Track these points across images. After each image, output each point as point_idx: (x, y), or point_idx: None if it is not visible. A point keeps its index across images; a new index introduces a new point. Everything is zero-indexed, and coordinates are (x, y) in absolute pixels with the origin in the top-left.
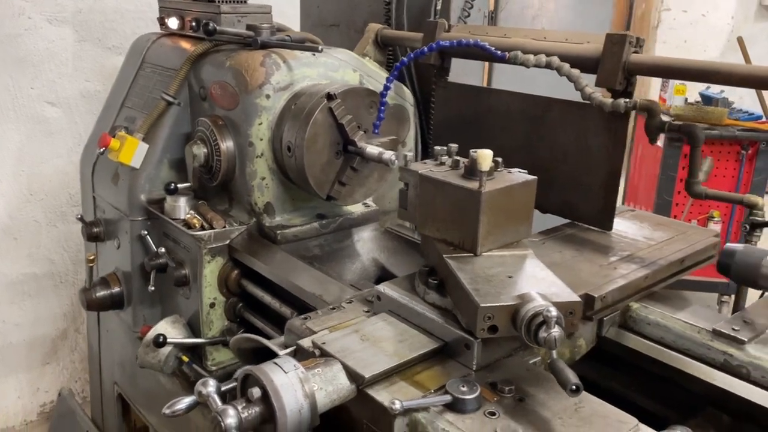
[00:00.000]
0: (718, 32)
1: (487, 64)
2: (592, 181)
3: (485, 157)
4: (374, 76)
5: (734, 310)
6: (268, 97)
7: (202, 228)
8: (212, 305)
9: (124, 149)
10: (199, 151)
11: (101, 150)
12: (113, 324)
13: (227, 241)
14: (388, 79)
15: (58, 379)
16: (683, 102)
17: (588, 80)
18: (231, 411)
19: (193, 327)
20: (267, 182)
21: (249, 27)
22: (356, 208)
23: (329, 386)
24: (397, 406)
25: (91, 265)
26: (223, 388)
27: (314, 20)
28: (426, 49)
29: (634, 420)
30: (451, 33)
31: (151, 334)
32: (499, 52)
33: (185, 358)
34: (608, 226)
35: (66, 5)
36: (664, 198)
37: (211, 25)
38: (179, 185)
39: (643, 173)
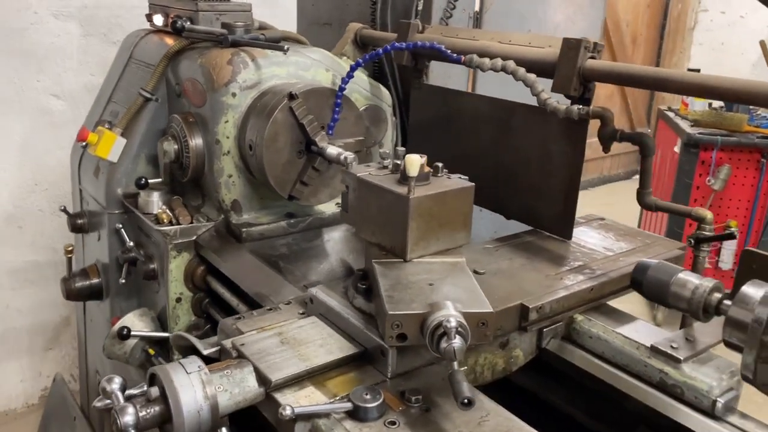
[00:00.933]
0: (757, 35)
1: None
2: (552, 187)
3: (413, 162)
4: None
5: (682, 325)
6: (234, 95)
7: (170, 223)
8: (178, 300)
9: (101, 143)
10: (170, 147)
11: (83, 144)
12: (96, 314)
13: (194, 237)
14: (343, 80)
15: (59, 364)
16: (706, 107)
17: (546, 85)
18: (130, 409)
19: (162, 321)
20: (234, 180)
21: (224, 25)
22: (327, 208)
23: (235, 389)
24: (288, 412)
25: (69, 255)
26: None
27: (309, 18)
28: (381, 51)
29: None
30: (425, 34)
31: (117, 326)
32: (454, 55)
33: (152, 351)
34: (567, 234)
35: (71, 0)
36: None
37: (179, 22)
38: (150, 180)
39: (661, 180)
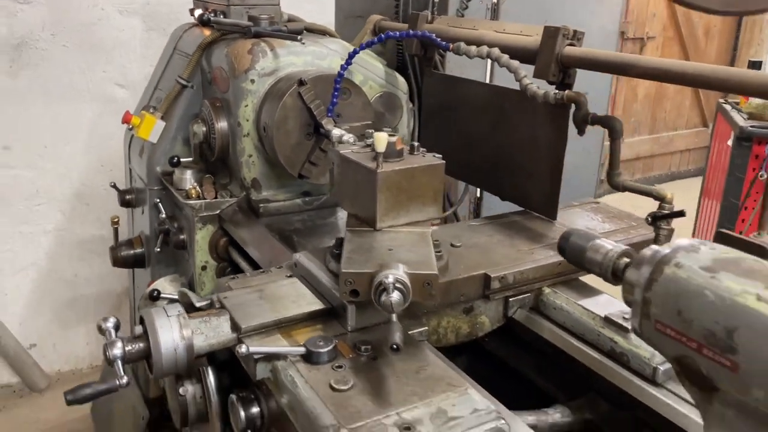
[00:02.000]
0: None
1: None
2: (539, 170)
3: (380, 139)
4: (365, 65)
5: None
6: (252, 81)
7: (198, 198)
8: (204, 268)
9: (143, 126)
10: (199, 129)
11: (129, 127)
12: (141, 281)
13: (217, 211)
14: (342, 67)
15: (121, 330)
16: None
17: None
18: (118, 344)
19: (190, 286)
20: (254, 160)
21: (250, 18)
22: None
23: (211, 333)
24: (243, 349)
25: (115, 226)
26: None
27: (346, 11)
28: (376, 39)
29: (465, 384)
30: (433, 24)
31: (149, 288)
32: (444, 42)
33: None
34: (552, 215)
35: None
36: (731, 200)
37: (206, 16)
38: (183, 159)
39: (715, 175)
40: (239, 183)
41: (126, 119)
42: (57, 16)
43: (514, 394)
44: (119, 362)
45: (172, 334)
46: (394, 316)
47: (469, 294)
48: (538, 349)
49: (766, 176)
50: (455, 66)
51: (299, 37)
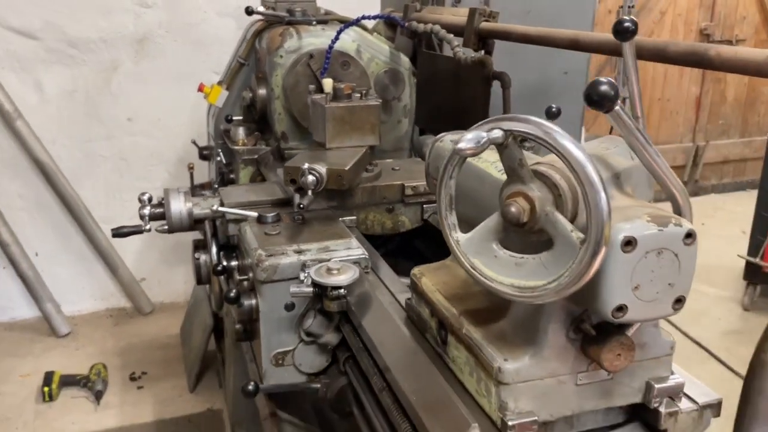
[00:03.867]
0: None
1: None
2: (477, 119)
3: (327, 83)
4: (373, 46)
5: None
6: (281, 56)
7: (243, 146)
8: None
9: (212, 94)
10: (247, 95)
11: (204, 95)
12: None
13: (255, 156)
14: (332, 41)
15: None
16: None
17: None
18: (147, 207)
19: None
20: (282, 117)
21: (287, 10)
22: None
23: (204, 205)
24: (214, 208)
25: (191, 170)
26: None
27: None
28: (354, 21)
29: (351, 236)
30: (421, 13)
31: None
32: (402, 21)
33: None
34: None
35: (230, 3)
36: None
37: (249, 8)
38: (234, 117)
39: None
40: (274, 136)
41: (200, 88)
42: (170, 17)
43: None
44: (147, 218)
45: (180, 204)
46: (309, 192)
47: (390, 197)
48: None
49: None
50: None
51: (314, 22)
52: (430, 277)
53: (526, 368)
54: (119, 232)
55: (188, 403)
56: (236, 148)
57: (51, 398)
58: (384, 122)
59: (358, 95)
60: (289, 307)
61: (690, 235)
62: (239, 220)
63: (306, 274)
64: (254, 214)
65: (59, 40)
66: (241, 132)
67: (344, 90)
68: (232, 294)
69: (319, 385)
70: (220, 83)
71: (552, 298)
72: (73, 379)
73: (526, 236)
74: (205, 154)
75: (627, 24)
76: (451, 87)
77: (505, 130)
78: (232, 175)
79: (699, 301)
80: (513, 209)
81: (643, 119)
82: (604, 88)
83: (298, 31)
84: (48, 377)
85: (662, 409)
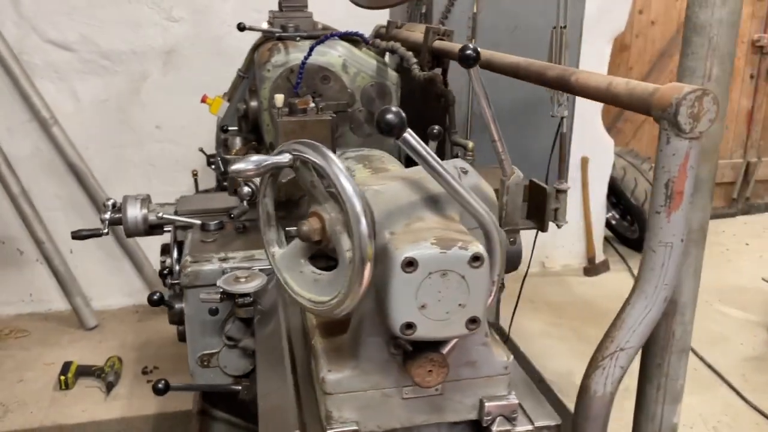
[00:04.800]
0: None
1: None
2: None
3: (278, 99)
4: (360, 60)
5: None
6: (269, 70)
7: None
8: None
9: (214, 105)
10: (241, 106)
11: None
12: None
13: None
14: (305, 56)
15: None
16: None
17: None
18: (108, 213)
19: None
20: (269, 128)
21: (281, 26)
22: None
23: (160, 212)
24: (160, 215)
25: (195, 177)
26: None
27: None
28: (324, 38)
29: None
30: (399, 29)
31: None
32: (367, 39)
33: None
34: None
35: (254, 17)
36: None
37: (241, 24)
38: (230, 128)
39: None
40: (264, 146)
41: (203, 100)
42: (196, 30)
43: None
44: (106, 222)
45: (136, 210)
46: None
47: None
48: None
49: None
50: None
51: (298, 38)
52: None
53: (347, 380)
54: (78, 235)
55: (190, 398)
56: (227, 156)
57: (67, 387)
58: (370, 135)
59: (314, 110)
60: (213, 311)
61: (477, 258)
62: (187, 227)
63: (220, 281)
64: (197, 222)
65: (93, 52)
66: (238, 142)
67: (299, 104)
68: (155, 297)
69: (240, 387)
70: (224, 95)
71: (336, 313)
72: (89, 369)
73: (333, 254)
74: (211, 162)
75: (469, 52)
76: (419, 103)
77: (293, 155)
78: (224, 183)
79: (724, 325)
80: (304, 228)
81: (501, 143)
82: (389, 116)
83: (286, 46)
84: (66, 367)
85: (494, 428)
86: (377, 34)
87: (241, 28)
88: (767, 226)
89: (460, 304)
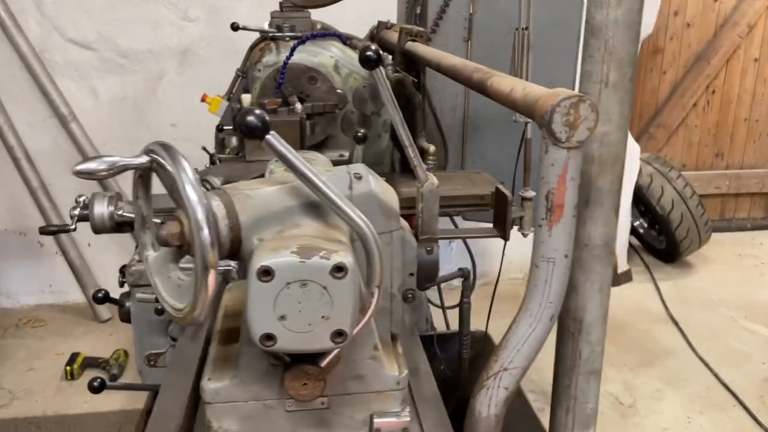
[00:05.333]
0: None
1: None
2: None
3: (244, 99)
4: (352, 61)
5: None
6: (259, 70)
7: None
8: None
9: (213, 104)
10: (235, 105)
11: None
12: None
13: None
14: (287, 57)
15: None
16: None
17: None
18: (77, 209)
19: None
20: None
21: (277, 27)
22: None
23: (127, 209)
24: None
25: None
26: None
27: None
28: (305, 38)
29: None
30: (389, 30)
31: None
32: (345, 38)
33: None
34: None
35: (268, 17)
36: None
37: (234, 24)
38: (225, 126)
39: None
40: None
41: (203, 99)
42: (211, 30)
43: None
44: (75, 218)
45: (102, 208)
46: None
47: None
48: None
49: None
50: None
51: (287, 38)
52: (234, 292)
53: (226, 389)
54: (46, 230)
55: None
56: (220, 156)
57: (73, 377)
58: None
59: (285, 110)
60: (159, 311)
61: (340, 269)
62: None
63: None
64: (157, 221)
65: (112, 50)
66: (234, 141)
67: (268, 104)
68: (99, 294)
69: None
70: (221, 95)
71: (191, 321)
72: (95, 361)
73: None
74: (213, 160)
75: (369, 53)
76: (401, 105)
77: (151, 157)
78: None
79: (747, 342)
80: (162, 232)
81: (413, 148)
82: (249, 119)
83: (278, 46)
84: (72, 358)
85: None
86: (371, 35)
87: (235, 27)
88: None
89: (323, 317)
